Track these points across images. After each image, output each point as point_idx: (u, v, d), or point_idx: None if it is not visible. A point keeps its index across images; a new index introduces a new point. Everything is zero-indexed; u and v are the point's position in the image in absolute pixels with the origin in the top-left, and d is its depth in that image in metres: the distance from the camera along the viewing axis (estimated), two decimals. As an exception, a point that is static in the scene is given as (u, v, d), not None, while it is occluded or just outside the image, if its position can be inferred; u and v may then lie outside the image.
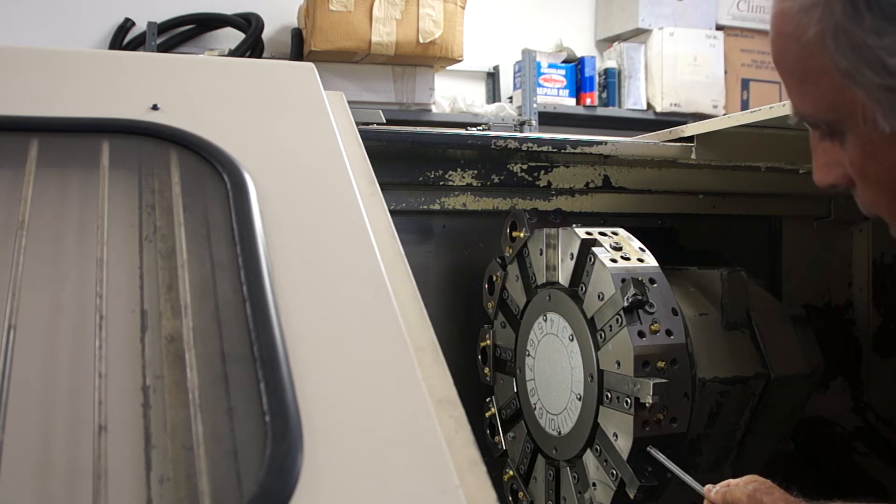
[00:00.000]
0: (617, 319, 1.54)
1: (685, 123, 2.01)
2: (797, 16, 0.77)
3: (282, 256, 0.92)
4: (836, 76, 0.76)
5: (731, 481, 1.31)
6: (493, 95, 4.36)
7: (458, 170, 1.95)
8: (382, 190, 1.14)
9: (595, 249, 1.63)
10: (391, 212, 1.11)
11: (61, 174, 1.01)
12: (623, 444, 1.52)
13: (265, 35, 3.69)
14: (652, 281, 1.57)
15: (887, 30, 0.71)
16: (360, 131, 1.26)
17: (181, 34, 3.74)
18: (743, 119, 1.74)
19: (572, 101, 4.20)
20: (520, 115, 3.98)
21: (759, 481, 1.29)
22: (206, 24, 3.78)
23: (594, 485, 1.61)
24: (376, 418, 0.80)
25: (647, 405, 1.47)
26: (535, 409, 1.79)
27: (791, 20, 0.78)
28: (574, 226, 1.70)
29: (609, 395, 1.56)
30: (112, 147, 1.02)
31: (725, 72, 4.39)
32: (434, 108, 3.73)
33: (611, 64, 4.30)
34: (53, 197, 0.98)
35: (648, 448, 1.49)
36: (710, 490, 1.33)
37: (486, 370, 1.97)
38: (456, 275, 2.10)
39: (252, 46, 3.62)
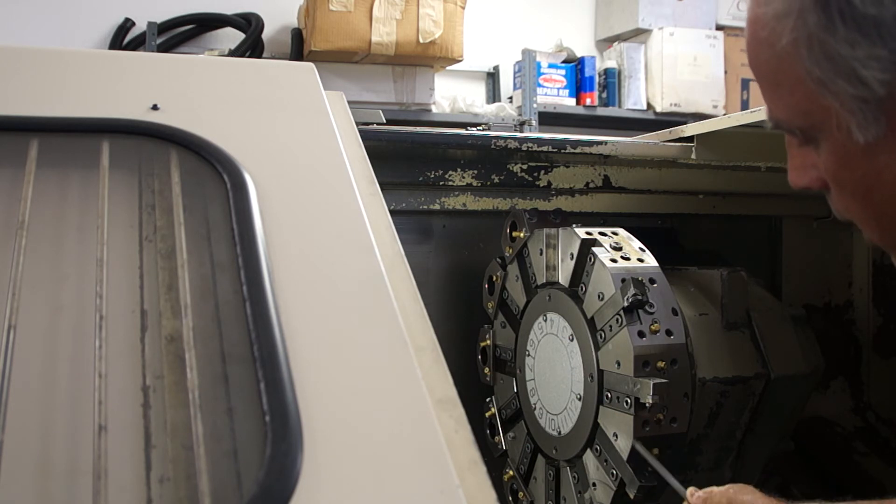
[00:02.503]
0: (617, 319, 1.53)
1: (685, 123, 2.00)
2: (771, 22, 0.76)
3: (282, 256, 0.92)
4: (809, 84, 0.75)
5: (714, 489, 1.30)
6: (493, 95, 4.36)
7: (458, 170, 1.95)
8: (382, 190, 1.14)
9: (595, 249, 1.63)
10: (391, 212, 1.11)
11: (61, 174, 1.01)
12: (623, 444, 1.52)
13: (265, 35, 3.69)
14: (652, 281, 1.57)
15: (860, 41, 0.70)
16: (360, 131, 1.26)
17: (181, 34, 3.74)
18: (743, 119, 1.74)
19: (572, 101, 4.20)
20: (520, 115, 3.98)
21: (739, 486, 1.28)
22: (206, 24, 3.78)
23: (594, 485, 1.61)
24: (376, 418, 0.80)
25: (647, 405, 1.47)
26: (535, 409, 1.79)
27: (765, 26, 0.77)
28: (574, 226, 1.70)
29: (609, 395, 1.56)
30: (112, 147, 1.02)
31: (725, 72, 4.39)
32: (434, 108, 3.73)
33: (611, 64, 4.30)
34: (53, 197, 0.98)
35: (634, 442, 1.48)
36: (693, 494, 1.32)
37: (486, 370, 1.97)
38: (456, 275, 2.10)
39: (252, 46, 3.62)
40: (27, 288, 0.84)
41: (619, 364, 1.53)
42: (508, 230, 1.90)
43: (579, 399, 1.63)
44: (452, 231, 2.09)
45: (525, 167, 2.00)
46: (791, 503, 1.23)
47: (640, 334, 1.51)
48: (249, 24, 3.66)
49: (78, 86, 1.13)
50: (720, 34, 4.39)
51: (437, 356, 0.90)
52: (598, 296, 1.59)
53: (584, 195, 2.08)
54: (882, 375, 2.37)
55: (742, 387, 1.69)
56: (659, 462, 1.46)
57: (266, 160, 1.06)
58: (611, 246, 1.63)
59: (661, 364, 1.50)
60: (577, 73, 4.22)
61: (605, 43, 4.53)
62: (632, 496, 1.52)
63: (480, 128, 2.99)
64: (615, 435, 1.54)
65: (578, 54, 4.30)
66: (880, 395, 2.37)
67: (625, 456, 1.52)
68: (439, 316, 2.04)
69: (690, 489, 1.34)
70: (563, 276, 1.71)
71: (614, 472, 1.54)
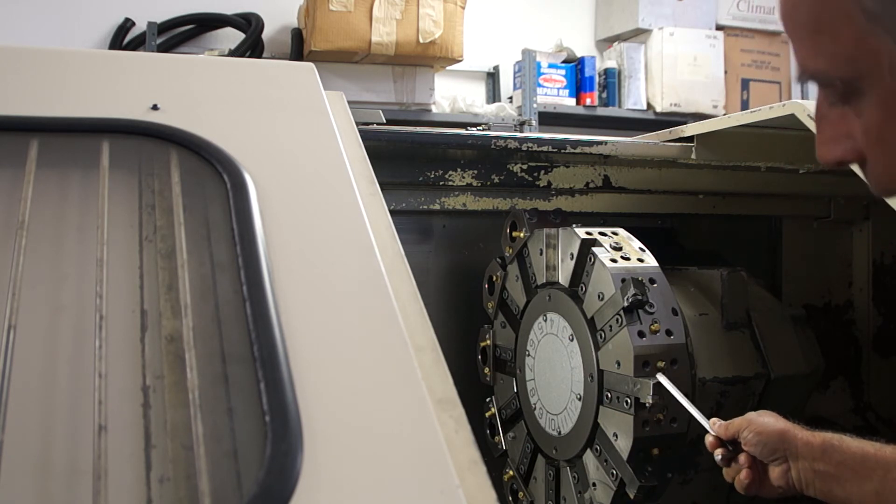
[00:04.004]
0: (617, 319, 1.53)
1: (685, 123, 2.00)
2: None
3: (282, 256, 0.92)
4: (860, 22, 0.68)
5: (735, 419, 1.32)
6: (493, 95, 4.36)
7: (458, 170, 1.95)
8: (382, 190, 1.14)
9: (595, 249, 1.62)
10: (391, 212, 1.11)
11: (61, 174, 1.01)
12: (623, 444, 1.52)
13: (265, 35, 3.69)
14: (652, 281, 1.56)
15: None
16: (360, 131, 1.26)
17: (181, 34, 3.74)
18: (743, 119, 1.74)
19: (572, 101, 4.19)
20: (520, 115, 3.98)
21: (760, 411, 1.30)
22: (206, 24, 3.78)
23: (594, 485, 1.61)
24: (376, 418, 0.80)
25: (647, 405, 1.47)
26: (535, 409, 1.79)
27: None
28: (574, 226, 1.70)
29: (609, 395, 1.56)
30: (112, 147, 1.02)
31: (725, 72, 4.39)
32: (434, 108, 3.72)
33: (611, 64, 4.29)
34: (53, 197, 0.98)
35: (658, 375, 1.47)
36: (715, 423, 1.33)
37: (486, 370, 1.97)
38: (456, 275, 2.10)
39: (252, 46, 3.62)
40: (27, 288, 0.84)
41: (619, 364, 1.53)
42: (508, 230, 1.90)
43: (579, 399, 1.63)
44: (452, 231, 2.09)
45: (525, 167, 2.00)
46: (815, 430, 1.23)
47: (640, 334, 1.51)
48: (249, 24, 3.65)
49: (78, 86, 1.13)
50: (720, 34, 4.38)
51: (437, 356, 0.90)
52: (598, 296, 1.59)
53: (584, 195, 2.08)
54: (882, 375, 2.37)
55: (742, 387, 1.69)
56: (681, 394, 1.45)
57: (266, 160, 1.06)
58: (611, 246, 1.63)
59: (661, 364, 1.50)
60: (577, 73, 4.22)
61: (605, 43, 4.52)
62: (632, 496, 1.52)
63: (480, 128, 2.98)
64: (615, 435, 1.54)
65: (578, 54, 4.29)
66: (880, 395, 2.37)
67: (625, 456, 1.52)
68: (439, 316, 2.04)
69: (713, 419, 1.35)
70: (563, 276, 1.71)
71: (614, 472, 1.54)
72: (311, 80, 1.26)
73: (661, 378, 1.47)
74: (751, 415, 1.30)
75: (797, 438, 1.23)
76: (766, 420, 1.27)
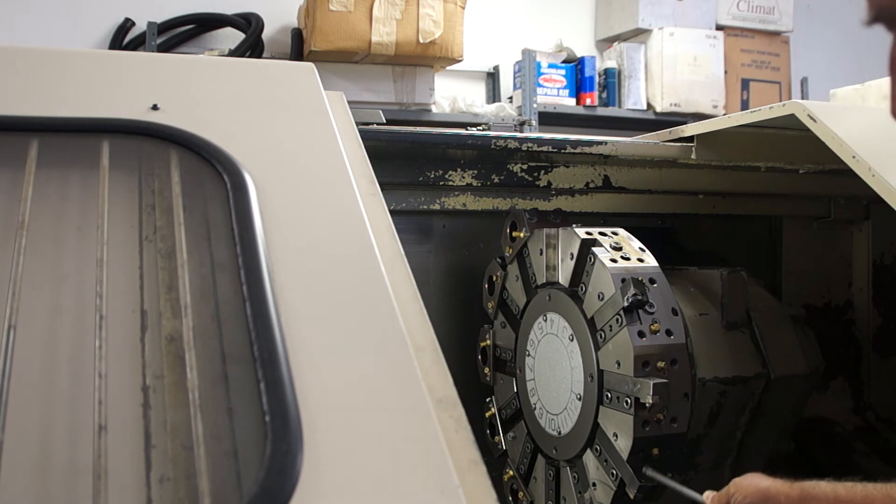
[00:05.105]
0: (617, 319, 1.53)
1: (685, 123, 2.00)
2: None
3: (282, 256, 0.92)
4: None
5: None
6: (493, 95, 4.36)
7: (458, 170, 1.95)
8: (382, 190, 1.14)
9: (595, 249, 1.62)
10: (391, 212, 1.11)
11: (61, 174, 1.01)
12: (623, 444, 1.52)
13: (265, 35, 3.69)
14: (652, 281, 1.56)
15: None
16: (360, 131, 1.26)
17: (181, 34, 3.74)
18: (743, 119, 1.74)
19: (572, 101, 4.19)
20: (520, 115, 3.98)
21: (745, 475, 1.33)
22: (206, 24, 3.78)
23: (594, 485, 1.61)
24: (376, 418, 0.80)
25: (647, 405, 1.47)
26: (535, 409, 1.79)
27: None
28: (574, 226, 1.70)
29: (609, 395, 1.56)
30: (112, 147, 1.02)
31: (725, 72, 4.39)
32: (434, 108, 3.72)
33: (611, 64, 4.30)
34: (53, 197, 0.98)
35: (645, 470, 1.51)
36: (709, 496, 1.37)
37: (486, 370, 1.97)
38: (456, 275, 2.10)
39: (252, 46, 3.62)
40: (27, 288, 0.84)
41: (619, 364, 1.53)
42: (508, 230, 1.90)
43: (579, 399, 1.63)
44: (452, 231, 2.09)
45: (525, 167, 2.00)
46: (796, 481, 1.26)
47: (640, 334, 1.51)
48: (249, 24, 3.66)
49: (78, 86, 1.13)
50: (720, 34, 4.39)
51: (437, 356, 0.90)
52: (598, 296, 1.59)
53: (584, 195, 2.08)
54: (882, 375, 2.37)
55: (742, 387, 1.69)
56: (673, 481, 1.49)
57: (266, 160, 1.06)
58: (611, 246, 1.63)
59: (661, 364, 1.50)
60: (577, 73, 4.22)
61: (605, 43, 4.52)
62: (632, 496, 1.52)
63: (480, 128, 2.99)
64: (615, 435, 1.54)
65: (578, 54, 4.29)
66: (880, 395, 2.37)
67: (625, 456, 1.52)
68: (439, 316, 2.04)
69: (707, 493, 1.39)
70: (563, 276, 1.71)
71: (614, 472, 1.54)
72: (311, 80, 1.26)
73: (650, 471, 1.51)
74: (736, 480, 1.34)
75: (779, 494, 1.27)
76: (750, 482, 1.31)
